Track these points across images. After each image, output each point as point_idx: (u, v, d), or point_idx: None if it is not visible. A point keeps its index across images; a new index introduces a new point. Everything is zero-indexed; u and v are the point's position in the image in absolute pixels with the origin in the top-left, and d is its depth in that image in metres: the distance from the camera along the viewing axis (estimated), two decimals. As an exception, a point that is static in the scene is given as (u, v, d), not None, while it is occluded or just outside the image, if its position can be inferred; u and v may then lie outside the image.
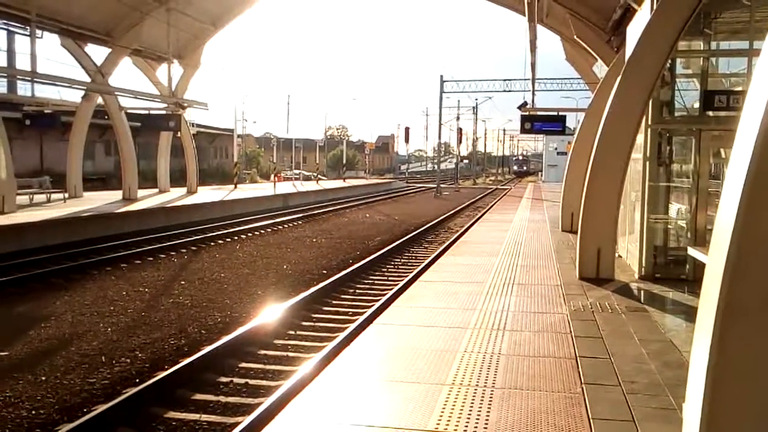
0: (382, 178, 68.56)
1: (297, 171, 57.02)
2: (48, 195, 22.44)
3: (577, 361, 5.58)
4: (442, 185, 48.26)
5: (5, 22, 19.91)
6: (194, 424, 6.05)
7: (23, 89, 28.20)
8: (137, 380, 7.02)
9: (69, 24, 21.35)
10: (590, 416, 4.37)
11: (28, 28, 18.39)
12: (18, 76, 21.75)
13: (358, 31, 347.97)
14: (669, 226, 10.25)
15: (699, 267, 8.19)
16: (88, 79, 22.97)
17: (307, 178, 53.63)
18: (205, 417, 6.18)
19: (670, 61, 9.36)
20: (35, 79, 19.19)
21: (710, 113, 9.53)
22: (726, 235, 2.78)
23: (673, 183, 10.13)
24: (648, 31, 8.82)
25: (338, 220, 25.24)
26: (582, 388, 4.91)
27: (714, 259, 2.95)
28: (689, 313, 7.34)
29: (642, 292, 8.98)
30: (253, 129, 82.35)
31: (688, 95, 10.34)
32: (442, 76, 49.10)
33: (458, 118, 67.48)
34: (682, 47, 9.91)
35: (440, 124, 51.90)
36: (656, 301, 8.46)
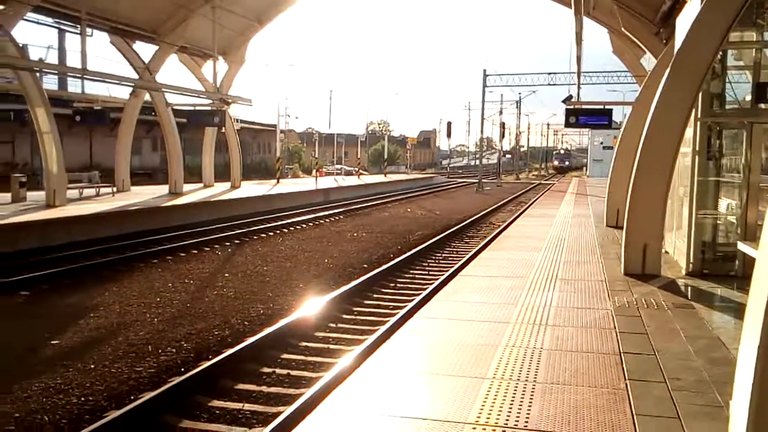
0: (423, 173, 68.48)
1: (338, 166, 57.38)
2: (97, 189, 23.07)
3: (621, 357, 5.49)
4: (483, 180, 47.90)
5: (57, 20, 20.53)
6: (237, 412, 6.17)
7: (73, 86, 29.17)
8: (182, 369, 7.19)
9: (118, 22, 21.88)
10: (634, 412, 4.30)
11: (78, 26, 18.89)
12: (69, 74, 22.36)
13: (401, 25, 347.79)
14: (718, 222, 9.98)
15: (749, 263, 7.95)
16: (135, 76, 23.52)
17: (348, 173, 53.89)
18: (248, 406, 6.29)
19: (721, 52, 9.09)
20: (85, 76, 19.70)
21: (762, 106, 9.22)
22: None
23: (723, 178, 9.85)
24: (698, 22, 8.58)
25: (379, 215, 25.32)
26: (626, 384, 4.83)
27: (764, 254, 2.87)
28: (738, 310, 7.14)
29: (689, 288, 8.77)
30: (295, 124, 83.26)
31: (739, 87, 10.02)
32: (485, 70, 48.63)
33: (501, 113, 66.86)
34: (734, 38, 9.59)
35: (482, 119, 51.41)
36: (704, 297, 8.25)
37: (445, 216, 24.74)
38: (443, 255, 15.68)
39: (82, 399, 6.32)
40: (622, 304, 7.54)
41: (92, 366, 7.21)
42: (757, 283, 2.93)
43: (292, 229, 20.07)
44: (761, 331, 2.77)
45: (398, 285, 12.02)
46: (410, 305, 9.68)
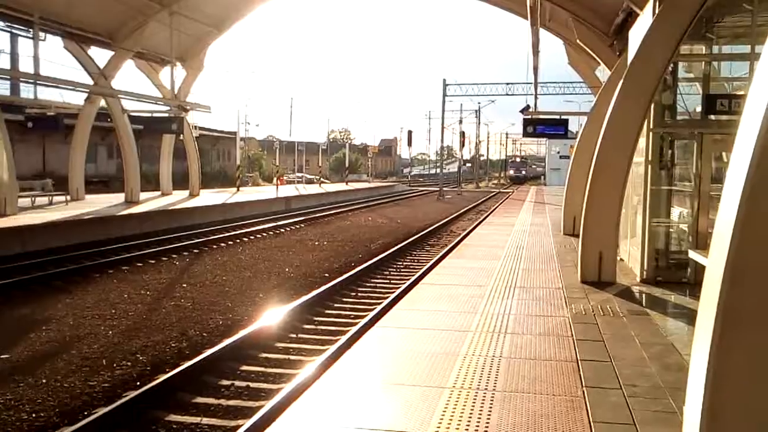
0: (384, 182, 68.66)
1: (300, 174, 57.07)
2: (50, 197, 22.47)
3: (578, 365, 5.58)
4: (444, 188, 48.24)
5: (9, 24, 20.00)
6: (195, 427, 6.06)
7: (26, 91, 28.36)
8: (138, 383, 7.03)
9: (72, 27, 21.41)
10: (591, 420, 4.37)
11: (31, 30, 18.44)
12: (21, 79, 21.81)
13: (362, 34, 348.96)
14: (671, 230, 10.25)
15: (700, 270, 8.17)
16: (90, 82, 23.02)
17: (309, 181, 53.64)
18: (206, 420, 6.19)
19: (672, 64, 9.36)
20: (38, 82, 19.27)
21: (712, 117, 9.52)
22: (725, 239, 2.78)
23: (675, 186, 10.12)
24: (650, 35, 8.82)
25: (340, 223, 25.25)
26: (583, 392, 4.91)
27: (713, 263, 2.95)
28: (690, 317, 7.32)
29: (643, 295, 8.97)
30: (255, 132, 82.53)
31: (690, 99, 10.34)
32: (444, 80, 49.15)
33: (461, 122, 67.40)
34: (684, 51, 9.90)
35: (443, 128, 51.78)
36: (658, 304, 8.45)
37: (406, 224, 24.81)
38: (404, 263, 15.72)
39: (33, 415, 6.13)
40: (579, 312, 7.66)
41: (44, 381, 6.99)
42: (707, 290, 3.01)
43: (252, 238, 19.87)
44: (711, 337, 2.84)
45: (359, 294, 12.00)
46: (371, 314, 9.67)
